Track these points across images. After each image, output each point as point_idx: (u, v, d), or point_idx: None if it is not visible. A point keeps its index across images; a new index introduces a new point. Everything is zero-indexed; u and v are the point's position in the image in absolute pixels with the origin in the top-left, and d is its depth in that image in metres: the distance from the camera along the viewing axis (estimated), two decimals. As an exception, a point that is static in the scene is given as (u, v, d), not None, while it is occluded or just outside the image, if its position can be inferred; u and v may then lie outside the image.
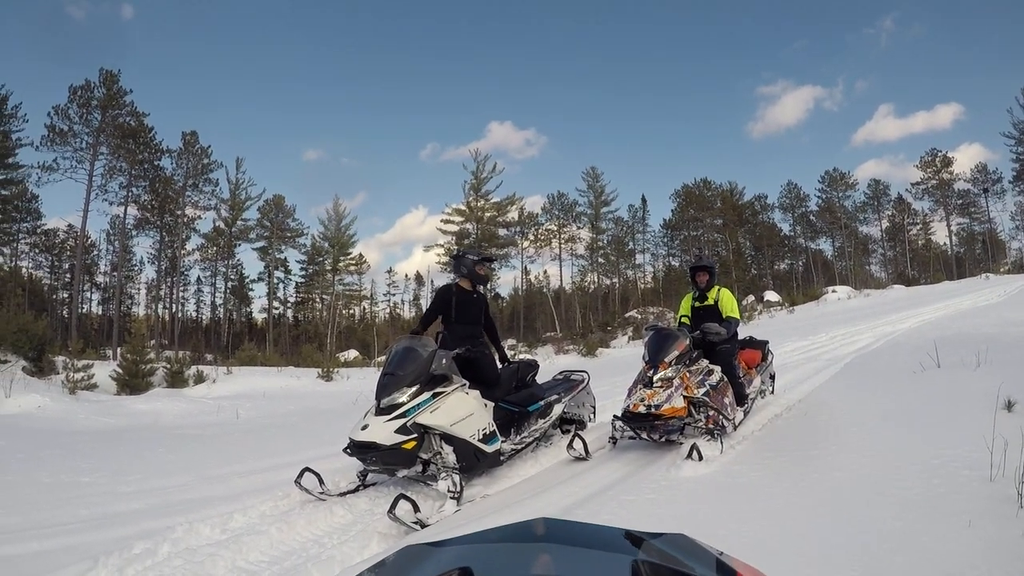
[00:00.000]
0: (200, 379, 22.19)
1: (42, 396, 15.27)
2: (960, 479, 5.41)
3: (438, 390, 6.47)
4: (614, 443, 7.81)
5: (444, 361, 6.58)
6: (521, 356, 31.25)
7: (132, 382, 21.01)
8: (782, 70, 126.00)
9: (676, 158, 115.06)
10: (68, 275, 60.67)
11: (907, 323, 22.57)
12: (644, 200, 75.66)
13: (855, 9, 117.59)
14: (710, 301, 8.49)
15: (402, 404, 6.22)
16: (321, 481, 6.52)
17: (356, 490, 6.64)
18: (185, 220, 55.83)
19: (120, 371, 21.41)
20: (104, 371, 21.15)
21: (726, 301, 8.46)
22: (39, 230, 57.41)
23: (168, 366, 23.29)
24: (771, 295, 50.44)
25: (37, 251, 60.53)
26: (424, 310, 8.19)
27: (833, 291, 48.29)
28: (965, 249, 76.29)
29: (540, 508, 5.81)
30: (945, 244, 76.98)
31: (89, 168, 45.44)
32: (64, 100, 45.36)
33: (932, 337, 13.88)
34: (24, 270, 57.64)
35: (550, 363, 25.15)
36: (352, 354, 45.98)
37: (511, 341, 44.13)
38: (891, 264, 77.66)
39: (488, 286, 7.86)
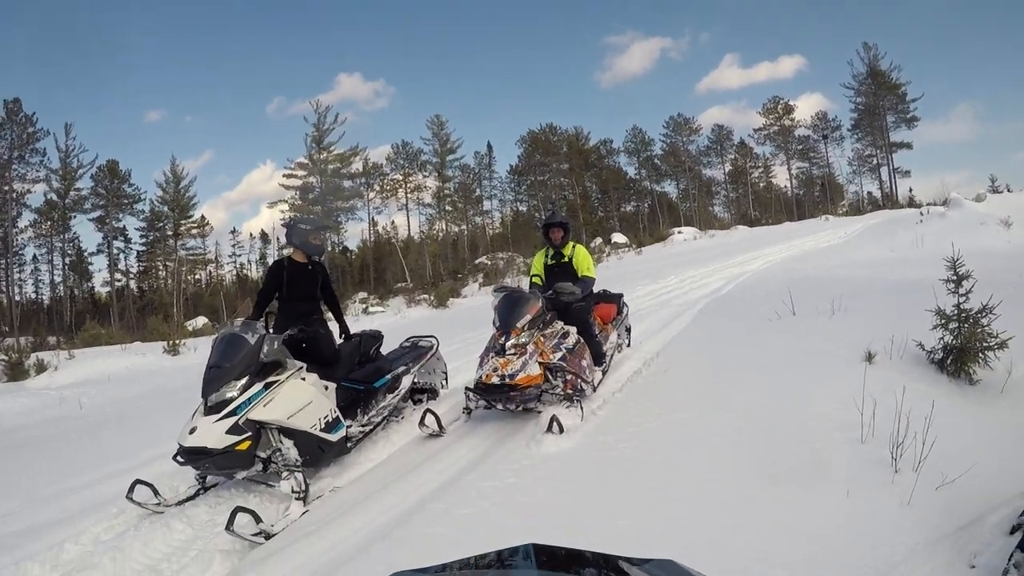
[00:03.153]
0: (42, 368, 20.72)
1: None
2: (832, 442, 5.32)
3: (271, 379, 5.84)
4: (468, 414, 7.36)
5: (275, 345, 5.93)
6: (372, 310, 30.80)
7: (-35, 380, 19.39)
8: (630, 21, 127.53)
9: (523, 107, 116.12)
10: None
11: (754, 264, 22.96)
12: (490, 147, 75.63)
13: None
14: (565, 259, 8.08)
15: (231, 400, 5.55)
16: (155, 491, 5.85)
17: (196, 495, 6.01)
18: (13, 195, 52.43)
19: (-49, 369, 19.72)
20: (-68, 370, 19.47)
21: (581, 259, 8.11)
22: None
23: (6, 357, 21.69)
24: (619, 237, 51.08)
25: None
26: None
27: (679, 232, 49.32)
28: (805, 192, 79.27)
29: (395, 502, 5.40)
30: (786, 187, 79.97)
31: None
32: None
33: (782, 280, 14.12)
34: None
35: (401, 317, 24.97)
36: (201, 321, 44.19)
37: (362, 294, 43.64)
38: (734, 205, 79.85)
39: (323, 256, 7.17)
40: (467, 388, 7.09)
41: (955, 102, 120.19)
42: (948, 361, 6.79)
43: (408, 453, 6.75)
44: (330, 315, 7.63)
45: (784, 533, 4.06)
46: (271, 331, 6.34)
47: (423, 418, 7.03)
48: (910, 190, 70.30)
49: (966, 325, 6.68)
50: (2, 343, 30.97)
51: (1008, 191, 34.86)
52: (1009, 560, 3.33)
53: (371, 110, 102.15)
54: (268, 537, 5.03)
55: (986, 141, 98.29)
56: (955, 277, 6.82)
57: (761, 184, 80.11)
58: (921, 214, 27.02)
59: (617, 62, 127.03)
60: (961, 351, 6.68)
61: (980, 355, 6.65)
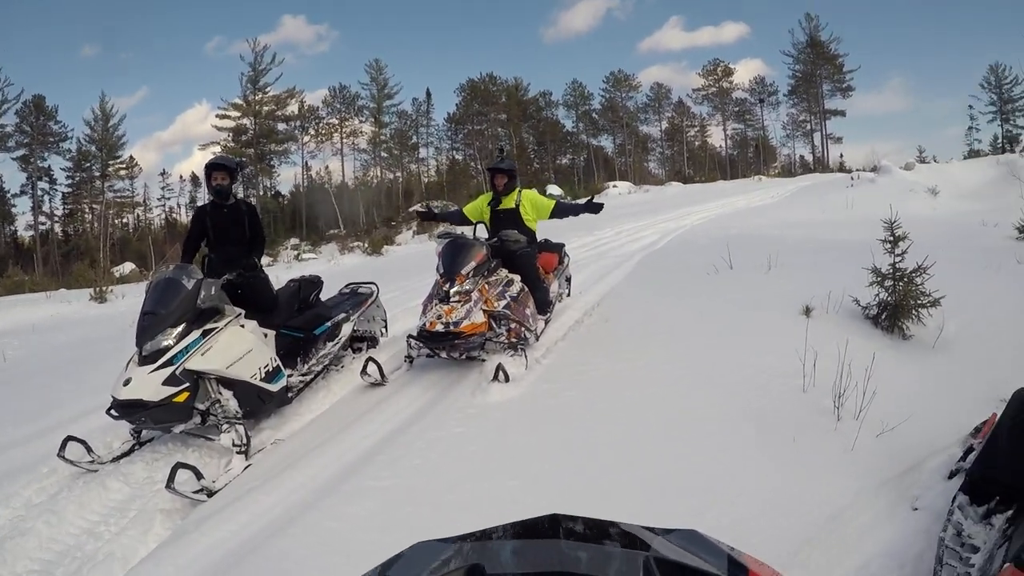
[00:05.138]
0: (-38, 319, 20.10)
1: None
2: (774, 391, 5.42)
3: (208, 327, 5.64)
4: (410, 362, 7.23)
5: (213, 291, 5.74)
6: (304, 256, 30.43)
7: None
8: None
9: (464, 56, 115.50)
10: None
11: (689, 220, 23.26)
12: (428, 94, 74.71)
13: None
14: (510, 205, 7.96)
15: (168, 349, 5.35)
16: (88, 449, 5.58)
17: (131, 451, 5.77)
18: (-69, 131, 50.10)
19: None
20: None
21: (533, 204, 8.04)
22: None
23: (-77, 306, 20.97)
24: (554, 188, 50.90)
25: None
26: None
27: (614, 186, 49.62)
28: (739, 152, 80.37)
29: (339, 454, 5.30)
30: (721, 147, 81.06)
31: None
32: None
33: (717, 236, 14.22)
34: None
35: (334, 264, 24.57)
36: (128, 267, 43.16)
37: (294, 240, 43.13)
38: (669, 162, 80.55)
39: (232, 196, 6.90)
40: (410, 336, 7.01)
41: (889, 76, 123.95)
42: (883, 317, 7.04)
43: (350, 403, 6.66)
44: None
45: (731, 479, 4.12)
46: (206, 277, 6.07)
47: (365, 367, 6.90)
48: (841, 156, 72.32)
49: (902, 283, 6.89)
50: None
51: (935, 161, 35.63)
52: (953, 502, 3.44)
53: (312, 54, 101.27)
54: (211, 494, 4.88)
55: (917, 115, 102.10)
56: (892, 238, 7.02)
57: (696, 143, 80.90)
58: (852, 179, 27.64)
59: (563, 17, 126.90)
60: (896, 307, 6.93)
61: (914, 312, 6.90)
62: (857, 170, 38.56)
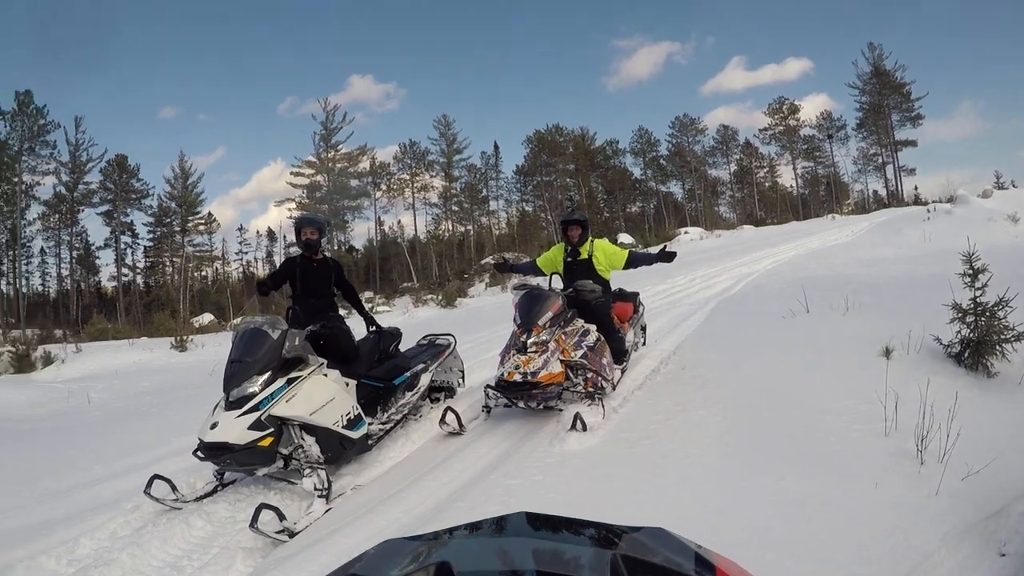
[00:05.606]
0: (48, 360, 20.71)
1: None
2: (855, 435, 5.31)
3: (293, 375, 5.83)
4: (488, 412, 7.33)
5: (297, 341, 5.95)
6: (379, 310, 30.78)
7: (-29, 372, 19.41)
8: (637, 25, 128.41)
9: (530, 108, 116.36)
10: None
11: (763, 264, 22.96)
12: (496, 147, 75.60)
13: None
14: (583, 255, 8.04)
15: (254, 395, 5.54)
16: (173, 487, 5.78)
17: (214, 491, 5.97)
18: (23, 187, 52.47)
19: (-44, 360, 19.75)
20: (-63, 361, 19.48)
21: (605, 254, 8.10)
22: None
23: (13, 349, 21.70)
24: (625, 237, 50.66)
25: None
26: (276, 268, 7.55)
27: (686, 232, 49.18)
28: (810, 191, 79.23)
29: (419, 500, 5.36)
30: (791, 186, 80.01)
31: None
32: None
33: (791, 279, 14.07)
34: None
35: (409, 316, 24.78)
36: (207, 318, 44.14)
37: (368, 293, 43.67)
38: (740, 205, 79.61)
39: (320, 251, 7.26)
40: (488, 386, 7.11)
41: (959, 100, 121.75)
42: (966, 354, 6.80)
43: (429, 451, 6.74)
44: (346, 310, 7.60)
45: (815, 526, 4.06)
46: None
47: (443, 416, 7.01)
48: (915, 188, 70.35)
49: (983, 318, 6.70)
50: (9, 335, 31.03)
51: (1013, 187, 34.77)
52: None
53: (381, 112, 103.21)
54: (292, 535, 5.01)
55: (990, 138, 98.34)
56: (971, 271, 6.85)
57: (766, 184, 79.97)
58: (928, 211, 27.03)
59: (624, 66, 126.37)
60: (979, 344, 6.70)
61: (998, 348, 6.67)
62: (933, 202, 37.74)
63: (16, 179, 51.58)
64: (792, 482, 4.68)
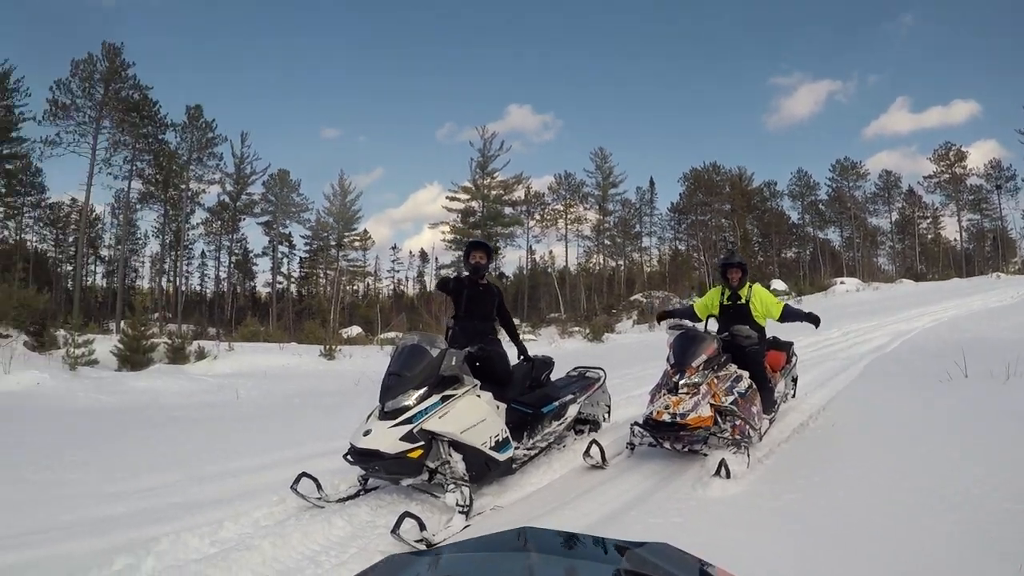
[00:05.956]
0: (201, 355, 21.81)
1: (41, 372, 15.00)
2: (1005, 513, 5.00)
3: (447, 393, 5.99)
4: (632, 450, 7.34)
5: (454, 360, 6.07)
6: (525, 338, 30.97)
7: (133, 357, 20.62)
8: (798, 62, 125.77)
9: (686, 144, 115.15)
10: (72, 248, 60.74)
11: (921, 321, 22.19)
12: (652, 183, 75.67)
13: (874, 4, 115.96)
14: (742, 300, 8.02)
15: (408, 408, 5.73)
16: (319, 486, 6.02)
17: (356, 495, 6.17)
18: (189, 194, 55.91)
19: (121, 346, 21.02)
20: (106, 346, 20.74)
21: (762, 301, 8.08)
22: (43, 204, 58.16)
23: (170, 342, 22.93)
24: (778, 284, 49.70)
25: (42, 224, 61.21)
26: (428, 288, 7.78)
27: (841, 283, 48.00)
28: (975, 246, 75.69)
29: (556, 527, 5.34)
30: (955, 240, 76.56)
31: (92, 142, 45.71)
32: (66, 74, 45.59)
33: (951, 340, 13.58)
34: (29, 243, 59.01)
35: (555, 347, 24.94)
36: (355, 331, 45.30)
37: (515, 321, 43.84)
38: (900, 258, 76.94)
39: (485, 275, 7.43)
40: (635, 423, 7.12)
41: None
42: None
43: (569, 482, 6.74)
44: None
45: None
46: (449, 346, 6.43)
47: (588, 449, 7.03)
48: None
49: None
50: (166, 328, 32.74)
51: None
52: None
53: (539, 141, 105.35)
54: (429, 546, 5.02)
55: None
56: None
57: (929, 236, 76.94)
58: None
59: (785, 104, 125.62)
60: None
61: None
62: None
63: (184, 186, 55.05)
64: (938, 554, 4.47)
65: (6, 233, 55.41)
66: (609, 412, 8.58)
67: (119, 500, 6.36)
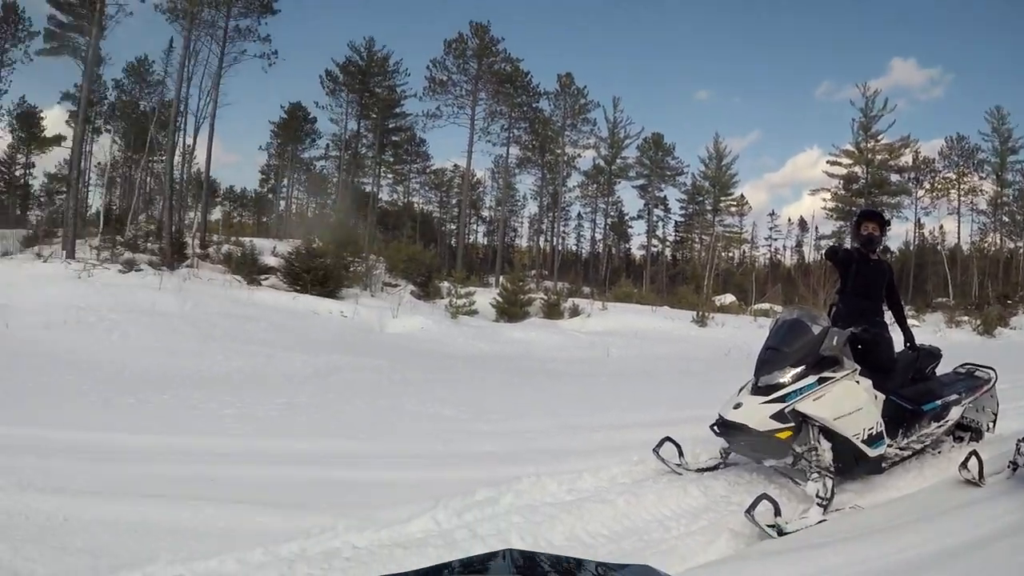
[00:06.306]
0: (575, 312, 22.75)
1: (425, 318, 16.62)
2: None
3: (825, 375, 5.64)
4: (1014, 470, 6.29)
5: (836, 341, 5.73)
6: (909, 323, 28.96)
7: (510, 310, 22.05)
8: None
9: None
10: (455, 210, 66.19)
11: None
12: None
13: None
14: None
15: (783, 386, 5.50)
16: (681, 453, 6.01)
17: (716, 467, 6.09)
18: (565, 159, 57.93)
19: (499, 299, 22.44)
20: (485, 298, 22.43)
21: None
22: (428, 170, 64.78)
23: (545, 297, 24.10)
24: None
25: (427, 188, 67.96)
26: (806, 259, 7.40)
27: None
28: None
29: (914, 543, 4.80)
30: None
31: (471, 113, 49.73)
32: (439, 54, 50.07)
33: None
34: (416, 205, 67.11)
35: (940, 336, 22.87)
36: (728, 299, 44.82)
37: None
38: None
39: (877, 250, 6.86)
40: (1021, 440, 6.29)
41: None
42: None
43: (939, 494, 6.09)
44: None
45: None
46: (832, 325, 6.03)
47: (966, 460, 6.16)
48: None
49: None
50: (542, 285, 34.45)
51: None
52: None
53: (925, 99, 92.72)
54: (780, 533, 4.87)
55: None
56: None
57: None
58: None
59: None
60: None
61: None
62: None
63: (559, 151, 57.16)
64: None
65: (395, 196, 63.92)
66: (995, 421, 7.60)
67: (490, 439, 6.87)
